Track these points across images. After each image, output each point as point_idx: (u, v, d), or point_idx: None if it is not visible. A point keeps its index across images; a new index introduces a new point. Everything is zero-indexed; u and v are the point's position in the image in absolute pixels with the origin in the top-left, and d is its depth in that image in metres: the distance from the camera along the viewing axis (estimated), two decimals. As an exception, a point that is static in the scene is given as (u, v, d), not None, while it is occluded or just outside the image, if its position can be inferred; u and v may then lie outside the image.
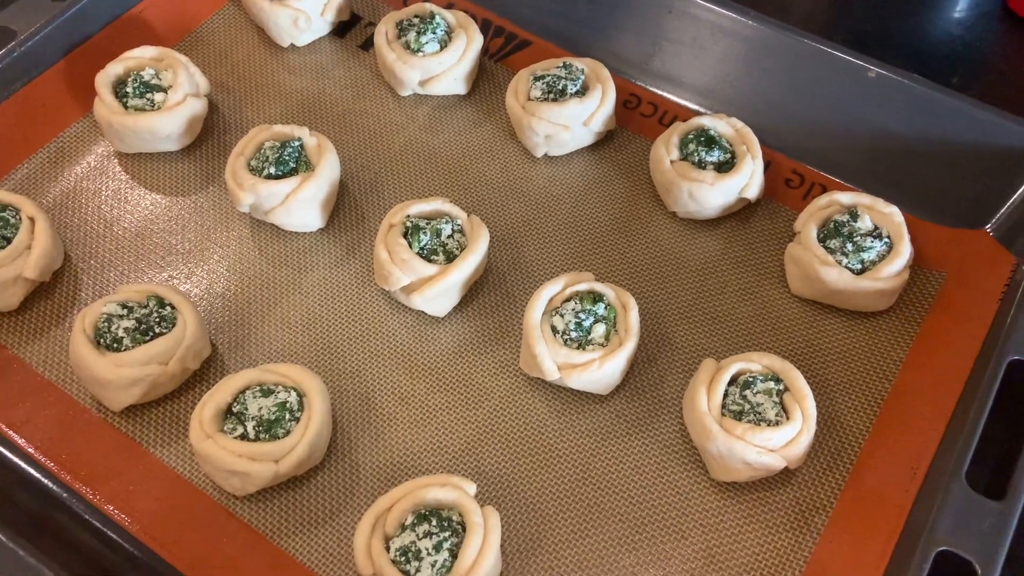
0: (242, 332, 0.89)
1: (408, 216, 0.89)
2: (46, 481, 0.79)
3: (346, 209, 0.98)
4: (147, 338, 0.81)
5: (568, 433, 0.83)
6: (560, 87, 0.98)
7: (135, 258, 0.93)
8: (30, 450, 0.81)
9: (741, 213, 0.97)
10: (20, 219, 0.89)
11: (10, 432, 0.81)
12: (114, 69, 0.99)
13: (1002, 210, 0.93)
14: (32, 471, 0.80)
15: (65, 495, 0.79)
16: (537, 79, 0.99)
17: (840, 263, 0.86)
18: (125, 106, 0.97)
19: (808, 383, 0.83)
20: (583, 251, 0.95)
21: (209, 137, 1.03)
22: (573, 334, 0.82)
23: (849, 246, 0.87)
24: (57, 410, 0.83)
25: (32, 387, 0.84)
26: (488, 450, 0.82)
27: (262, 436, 0.76)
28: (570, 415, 0.84)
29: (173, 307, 0.83)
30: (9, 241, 0.87)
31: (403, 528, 0.71)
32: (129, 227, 0.96)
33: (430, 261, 0.87)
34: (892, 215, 0.88)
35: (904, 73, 0.96)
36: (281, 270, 0.93)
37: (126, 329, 0.80)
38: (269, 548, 0.77)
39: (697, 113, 1.04)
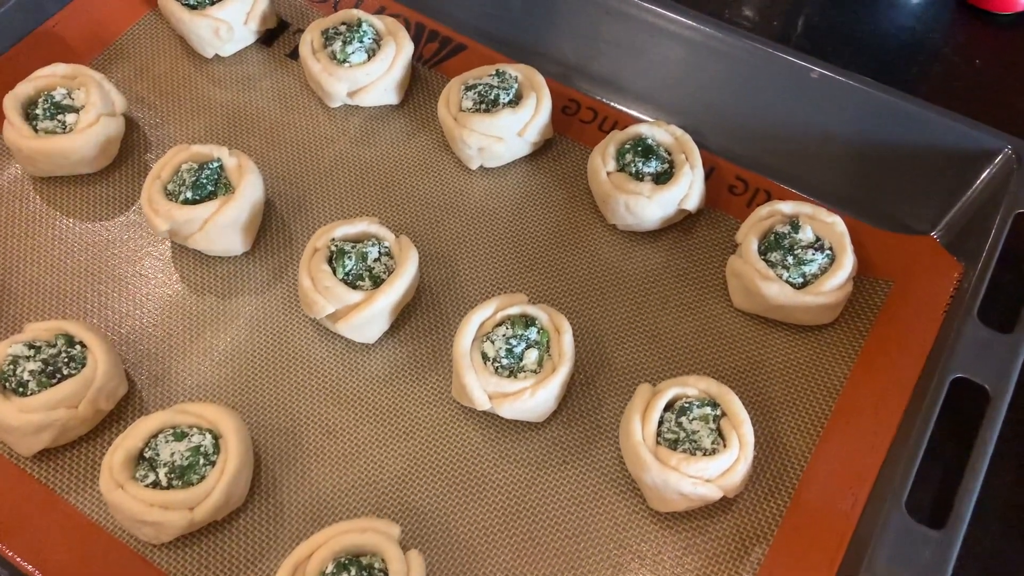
0: (162, 366, 0.85)
1: (333, 240, 0.85)
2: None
3: (273, 230, 0.94)
4: (54, 381, 0.77)
5: (502, 463, 0.80)
6: (492, 97, 0.94)
7: (47, 290, 0.89)
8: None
9: (683, 224, 0.94)
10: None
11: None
12: (23, 90, 0.94)
13: (949, 214, 0.90)
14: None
15: (-30, 549, 0.75)
16: (468, 88, 0.95)
17: (781, 277, 0.83)
18: (35, 129, 0.92)
19: (750, 403, 0.81)
20: (520, 268, 0.91)
21: (129, 157, 0.98)
22: (504, 361, 0.79)
23: (790, 259, 0.83)
24: (-35, 456, 0.79)
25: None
26: (419, 484, 0.79)
27: (175, 483, 0.73)
28: (505, 444, 0.81)
29: (83, 345, 0.79)
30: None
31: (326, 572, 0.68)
32: (42, 256, 0.91)
33: (355, 287, 0.83)
34: (834, 225, 0.85)
35: (848, 73, 0.93)
36: (204, 298, 0.89)
37: (32, 372, 0.76)
38: (189, 597, 0.74)
39: (638, 119, 1.00)
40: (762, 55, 0.95)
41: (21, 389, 0.76)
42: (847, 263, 0.83)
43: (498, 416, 0.81)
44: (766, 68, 0.95)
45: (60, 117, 0.93)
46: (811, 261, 0.83)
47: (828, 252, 0.84)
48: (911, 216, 0.91)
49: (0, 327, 0.86)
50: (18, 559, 0.74)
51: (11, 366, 0.77)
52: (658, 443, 0.75)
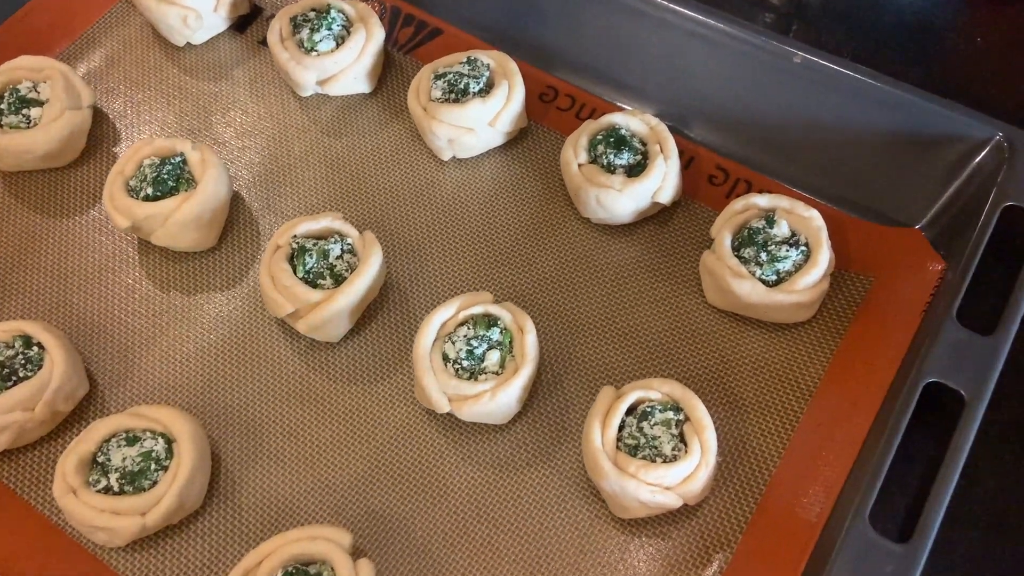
0: (125, 365, 0.84)
1: (295, 237, 0.83)
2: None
3: (241, 224, 0.93)
4: (9, 384, 0.76)
5: (464, 466, 0.78)
6: (462, 86, 0.91)
7: (9, 287, 0.88)
8: None
9: (660, 216, 0.90)
10: None
11: None
12: (-11, 83, 0.93)
13: (935, 207, 0.86)
14: None
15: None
16: (438, 77, 0.92)
17: (754, 274, 0.80)
18: (0, 124, 0.91)
19: (719, 404, 0.79)
20: (489, 262, 0.89)
21: (97, 150, 0.97)
22: (465, 363, 0.77)
23: (763, 256, 0.80)
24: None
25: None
26: (378, 487, 0.78)
27: (127, 488, 0.72)
28: (468, 445, 0.79)
29: (41, 347, 0.79)
30: None
31: (274, 582, 0.67)
32: (5, 252, 0.90)
33: (316, 286, 0.82)
34: (811, 220, 0.82)
35: (831, 58, 0.88)
36: (169, 295, 0.88)
37: (-15, 375, 0.76)
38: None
39: (616, 107, 0.97)
40: (743, 40, 0.91)
41: (-21, 391, 0.76)
42: (822, 260, 0.80)
43: (459, 412, 0.79)
44: (748, 53, 0.91)
45: (25, 111, 0.92)
46: (785, 258, 0.80)
47: (803, 248, 0.81)
48: (896, 208, 0.88)
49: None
50: (-22, 561, 0.74)
51: (-33, 368, 0.77)
52: (618, 448, 0.73)
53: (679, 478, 0.71)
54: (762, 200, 0.84)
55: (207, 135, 0.98)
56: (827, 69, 0.88)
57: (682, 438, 0.73)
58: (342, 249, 0.83)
